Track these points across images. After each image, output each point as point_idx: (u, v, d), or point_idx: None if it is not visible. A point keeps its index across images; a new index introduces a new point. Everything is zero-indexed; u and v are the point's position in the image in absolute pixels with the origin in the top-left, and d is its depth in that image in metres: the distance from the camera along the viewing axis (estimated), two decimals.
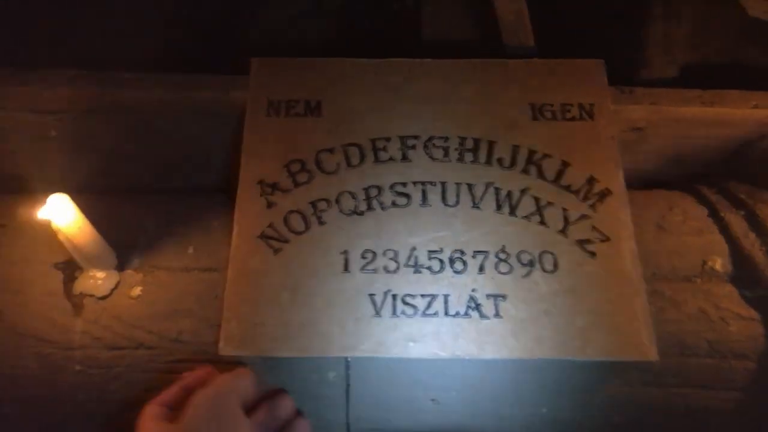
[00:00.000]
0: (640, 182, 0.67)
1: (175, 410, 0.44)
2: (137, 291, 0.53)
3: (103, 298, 0.52)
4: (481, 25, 0.66)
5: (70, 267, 0.53)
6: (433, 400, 0.55)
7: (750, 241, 0.59)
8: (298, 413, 0.49)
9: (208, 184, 0.63)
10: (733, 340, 0.56)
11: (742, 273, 0.59)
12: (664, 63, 0.69)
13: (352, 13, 0.70)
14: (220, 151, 0.60)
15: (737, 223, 0.61)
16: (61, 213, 0.46)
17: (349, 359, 0.53)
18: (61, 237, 0.47)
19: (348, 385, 0.53)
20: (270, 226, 0.53)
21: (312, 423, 0.50)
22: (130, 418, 0.44)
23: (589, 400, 0.57)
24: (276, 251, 0.52)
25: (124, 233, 0.56)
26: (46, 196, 0.48)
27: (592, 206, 0.57)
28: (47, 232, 0.48)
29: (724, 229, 0.60)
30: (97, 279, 0.51)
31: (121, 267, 0.54)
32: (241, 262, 0.52)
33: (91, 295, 0.51)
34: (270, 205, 0.54)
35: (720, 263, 0.59)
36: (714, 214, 0.62)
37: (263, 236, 0.52)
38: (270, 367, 0.53)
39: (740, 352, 0.56)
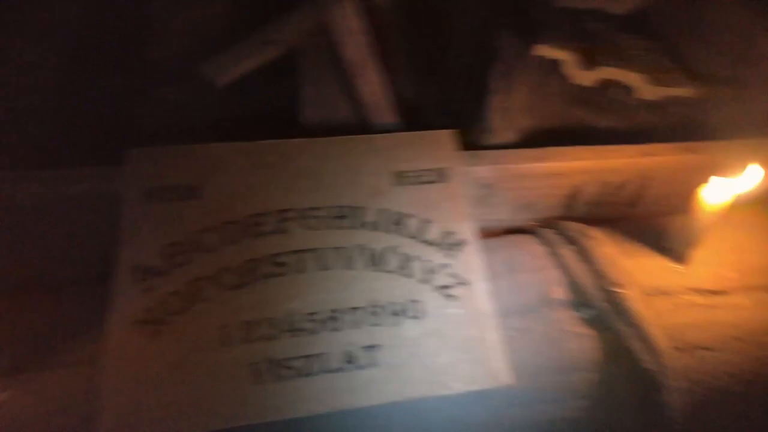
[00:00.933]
0: (497, 230, 0.83)
1: None
2: (3, 397, 0.54)
3: None
4: (352, 105, 0.79)
5: None
6: None
7: (581, 271, 0.76)
8: None
9: (88, 276, 0.66)
10: (574, 356, 0.71)
11: (577, 298, 0.75)
12: (506, 128, 0.87)
13: (235, 98, 0.80)
14: (100, 243, 0.64)
15: (570, 256, 0.77)
16: None
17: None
18: None
19: None
20: (147, 310, 0.58)
21: None
22: None
23: (467, 429, 0.67)
24: (154, 335, 0.58)
25: None
26: None
27: (451, 255, 0.70)
28: None
29: (561, 264, 0.77)
30: None
31: None
32: (118, 351, 0.56)
33: None
34: (146, 290, 0.60)
35: (559, 293, 0.75)
36: (553, 251, 0.78)
37: (140, 321, 0.58)
38: None
39: (581, 366, 0.71)
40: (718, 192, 0.76)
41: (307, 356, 0.60)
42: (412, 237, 0.70)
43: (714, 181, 0.77)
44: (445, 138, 0.78)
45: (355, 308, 0.64)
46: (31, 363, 0.56)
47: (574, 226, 0.82)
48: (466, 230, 0.72)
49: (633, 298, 0.74)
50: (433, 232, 0.71)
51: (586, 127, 0.93)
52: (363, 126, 0.79)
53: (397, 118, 0.78)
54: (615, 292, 0.74)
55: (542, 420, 0.70)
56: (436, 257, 0.69)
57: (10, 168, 0.65)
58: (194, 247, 0.63)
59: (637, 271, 0.80)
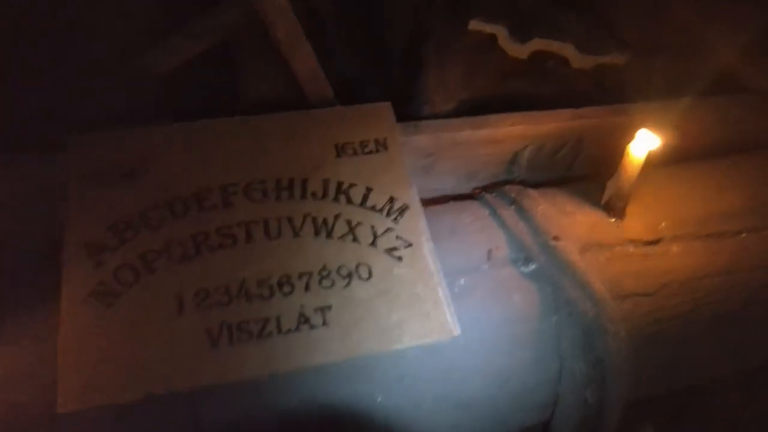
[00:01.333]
0: (443, 199, 0.92)
1: None
2: None
3: None
4: (290, 85, 0.86)
5: None
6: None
7: (520, 229, 0.86)
8: None
9: (35, 259, 0.69)
10: (519, 309, 0.80)
11: (519, 255, 0.84)
12: (443, 100, 0.96)
13: (178, 83, 0.85)
14: (46, 226, 0.68)
15: (510, 216, 0.87)
16: None
17: (195, 395, 0.64)
18: None
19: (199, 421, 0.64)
20: (100, 283, 0.63)
21: None
22: None
23: (419, 383, 0.75)
24: (108, 306, 0.63)
25: None
26: None
27: (395, 220, 0.78)
28: None
29: (502, 224, 0.86)
30: None
31: None
32: (73, 322, 0.61)
33: None
34: (97, 264, 0.64)
35: (501, 250, 0.84)
36: (494, 212, 0.88)
37: (93, 294, 0.62)
38: (121, 417, 0.61)
39: (524, 317, 0.80)
40: (645, 146, 0.88)
41: (261, 319, 0.66)
42: (357, 204, 0.77)
43: (641, 135, 0.88)
44: (383, 110, 0.86)
45: (306, 273, 0.70)
46: None
47: (513, 189, 0.91)
48: (408, 196, 0.80)
49: (571, 252, 0.85)
50: (377, 199, 0.78)
51: (523, 97, 1.04)
52: (302, 104, 0.86)
53: (335, 93, 0.85)
54: (554, 246, 0.85)
55: (492, 369, 0.79)
56: (381, 222, 0.77)
57: None
58: (141, 223, 0.67)
59: (575, 227, 0.90)
